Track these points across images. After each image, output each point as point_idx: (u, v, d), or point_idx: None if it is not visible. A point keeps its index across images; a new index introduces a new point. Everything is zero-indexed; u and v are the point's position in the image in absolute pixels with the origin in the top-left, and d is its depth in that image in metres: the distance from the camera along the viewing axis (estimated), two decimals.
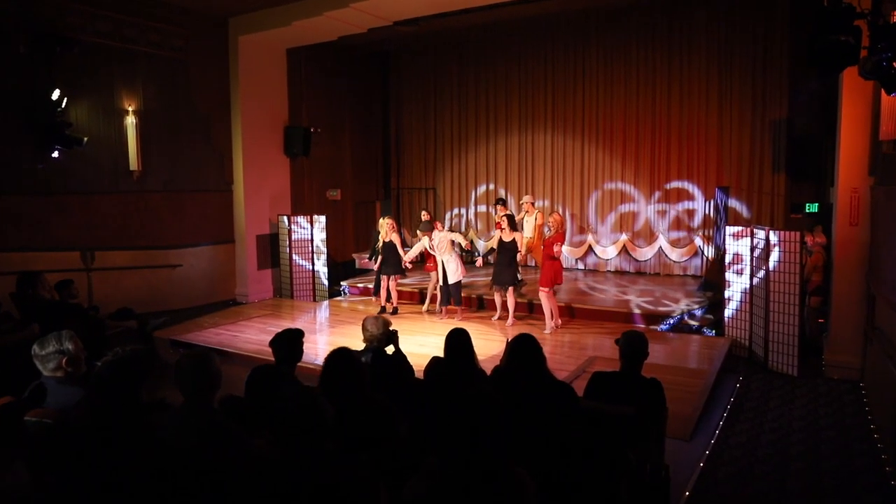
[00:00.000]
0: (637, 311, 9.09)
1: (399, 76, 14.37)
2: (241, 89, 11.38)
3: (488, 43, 12.92)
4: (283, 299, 11.56)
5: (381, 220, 9.86)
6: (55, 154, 9.00)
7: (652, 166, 11.67)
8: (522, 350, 3.84)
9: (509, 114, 12.98)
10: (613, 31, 11.68)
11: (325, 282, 11.59)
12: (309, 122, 12.73)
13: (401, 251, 9.54)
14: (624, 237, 11.99)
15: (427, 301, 10.02)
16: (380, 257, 9.71)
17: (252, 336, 8.39)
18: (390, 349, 4.59)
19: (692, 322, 8.81)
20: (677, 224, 11.55)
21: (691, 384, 6.47)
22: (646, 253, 11.82)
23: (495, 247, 9.24)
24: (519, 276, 9.08)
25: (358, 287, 11.78)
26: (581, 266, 12.53)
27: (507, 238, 8.84)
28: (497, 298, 9.17)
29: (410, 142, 14.44)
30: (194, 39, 10.85)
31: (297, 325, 9.36)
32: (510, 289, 8.90)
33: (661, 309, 9.06)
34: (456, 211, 13.98)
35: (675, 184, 11.51)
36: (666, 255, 11.65)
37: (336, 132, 13.57)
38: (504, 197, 12.39)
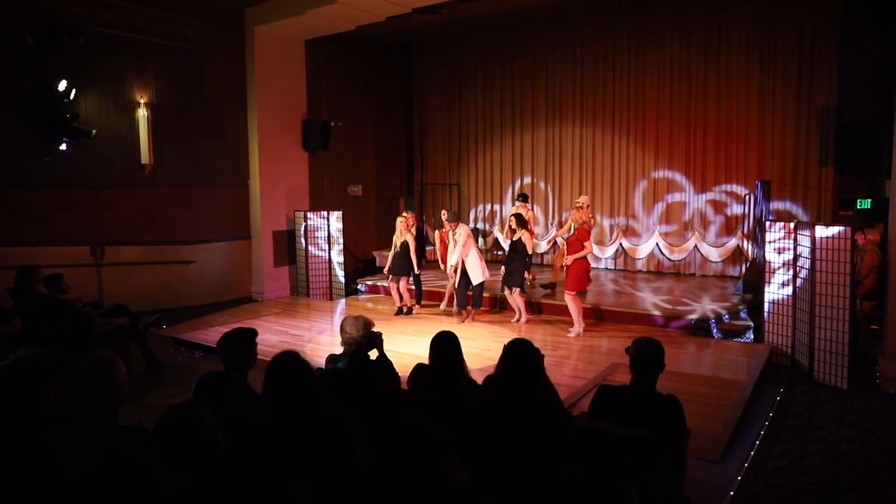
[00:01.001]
0: (666, 313, 8.40)
1: (422, 68, 13.90)
2: (258, 81, 11.05)
3: (513, 32, 12.34)
4: (299, 297, 11.19)
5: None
6: (63, 147, 8.80)
7: (687, 160, 10.92)
8: (515, 358, 3.30)
9: (536, 106, 12.38)
10: (646, 17, 10.98)
11: (342, 279, 11.19)
12: (329, 115, 12.36)
13: (413, 255, 9.02)
14: (657, 235, 11.26)
15: (444, 301, 9.52)
16: (390, 257, 9.28)
17: (259, 336, 7.97)
18: (374, 354, 4.09)
19: (728, 326, 8.08)
20: (715, 222, 10.77)
21: (724, 396, 5.80)
22: (681, 252, 11.07)
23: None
24: (528, 277, 8.52)
25: (377, 286, 11.32)
26: (612, 266, 11.84)
27: (514, 238, 8.47)
28: (510, 300, 8.67)
29: (434, 136, 13.95)
30: (207, 30, 10.55)
31: (309, 324, 9.19)
32: (516, 290, 8.47)
33: (695, 311, 8.36)
34: (480, 208, 13.43)
35: (712, 179, 10.73)
36: (703, 255, 10.87)
37: (358, 126, 13.17)
38: (525, 192, 11.69)
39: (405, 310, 9.25)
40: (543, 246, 12.45)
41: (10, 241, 8.63)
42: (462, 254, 8.50)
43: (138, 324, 6.57)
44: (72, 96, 8.73)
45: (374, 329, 4.08)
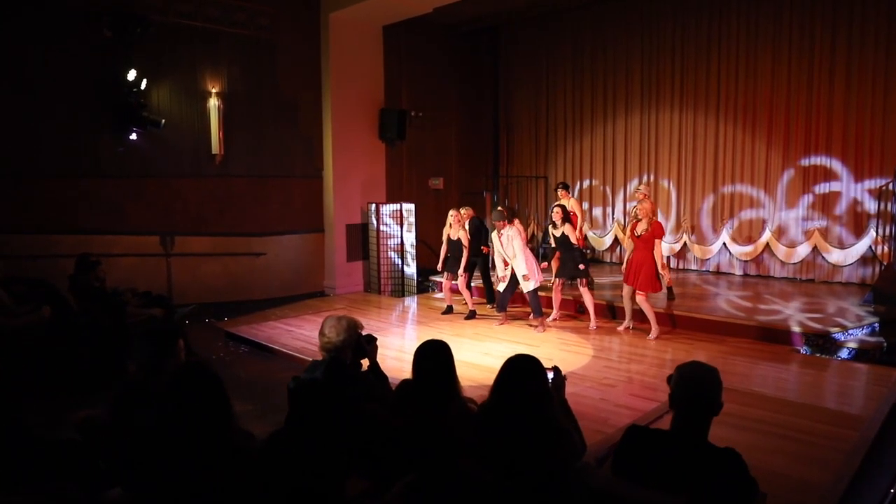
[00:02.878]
0: (772, 324, 7.05)
1: (508, 55, 13.05)
2: (333, 70, 10.69)
3: (605, 10, 11.19)
4: (370, 294, 10.73)
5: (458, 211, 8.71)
6: (132, 136, 8.81)
7: (807, 150, 9.35)
8: (511, 380, 2.46)
9: (630, 91, 11.17)
10: None
11: (414, 276, 10.61)
12: (409, 104, 11.84)
13: (465, 252, 8.31)
14: (767, 234, 9.73)
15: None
16: (443, 253, 8.62)
17: (305, 332, 7.57)
18: (367, 363, 3.38)
19: (851, 344, 6.62)
20: (840, 220, 9.13)
21: (839, 436, 4.54)
22: (795, 253, 9.48)
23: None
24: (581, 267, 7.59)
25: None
26: (710, 268, 10.40)
27: (556, 232, 7.66)
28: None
29: (520, 126, 13.07)
30: (282, 18, 10.32)
31: (366, 322, 8.36)
32: (581, 282, 7.60)
33: (806, 323, 6.95)
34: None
35: (836, 171, 9.08)
36: (823, 257, 9.24)
37: (440, 116, 12.55)
38: (566, 181, 10.39)
39: (468, 307, 8.47)
40: (607, 241, 11.54)
41: (83, 230, 8.73)
42: (510, 255, 7.60)
43: (173, 315, 6.28)
44: (142, 86, 8.71)
45: (366, 332, 3.36)
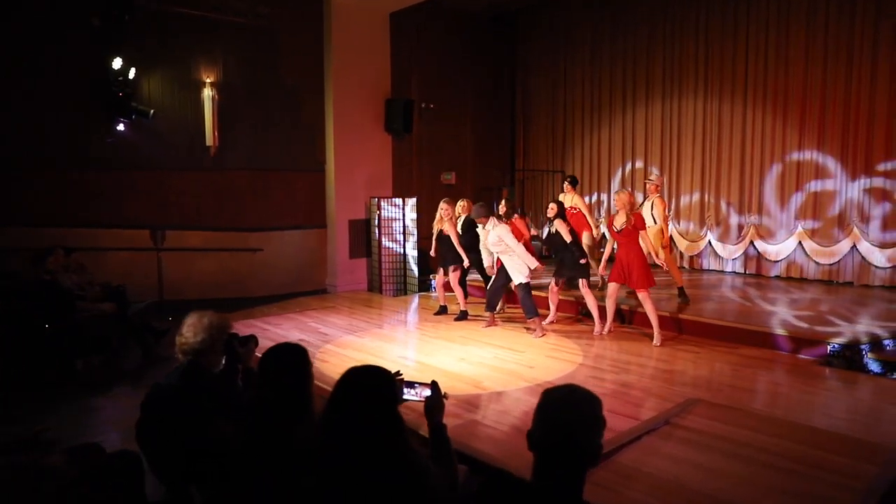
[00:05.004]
0: (797, 333, 6.22)
1: (525, 45, 12.40)
2: (335, 58, 10.26)
3: None
4: (372, 293, 10.27)
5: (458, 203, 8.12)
6: (120, 127, 8.59)
7: (844, 140, 8.41)
8: (342, 403, 1.91)
9: (651, 78, 10.38)
10: None
11: (416, 274, 10.10)
12: (420, 96, 11.32)
13: (458, 247, 7.71)
14: (800, 231, 8.80)
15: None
16: (433, 246, 8.11)
17: (279, 332, 7.14)
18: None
19: (885, 357, 5.74)
20: (880, 215, 8.15)
21: (853, 471, 3.77)
22: (833, 253, 8.54)
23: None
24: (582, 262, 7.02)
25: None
26: (740, 270, 9.51)
27: (550, 228, 7.14)
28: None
29: (538, 119, 12.41)
30: (283, 6, 9.96)
31: (350, 322, 7.79)
32: (581, 283, 6.96)
33: (842, 333, 6.10)
34: (586, 198, 11.62)
35: (882, 166, 8.10)
36: (864, 258, 8.28)
37: (454, 108, 11.99)
38: (575, 176, 9.56)
39: (460, 311, 7.89)
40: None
41: (71, 223, 8.55)
42: (502, 251, 6.95)
43: (126, 311, 5.92)
44: (131, 75, 8.47)
45: (236, 333, 2.85)
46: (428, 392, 2.24)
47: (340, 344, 6.58)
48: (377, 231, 10.22)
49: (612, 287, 6.64)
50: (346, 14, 10.25)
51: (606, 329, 6.82)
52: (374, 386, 1.91)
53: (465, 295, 8.04)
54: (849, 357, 5.86)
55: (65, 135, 8.46)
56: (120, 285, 6.87)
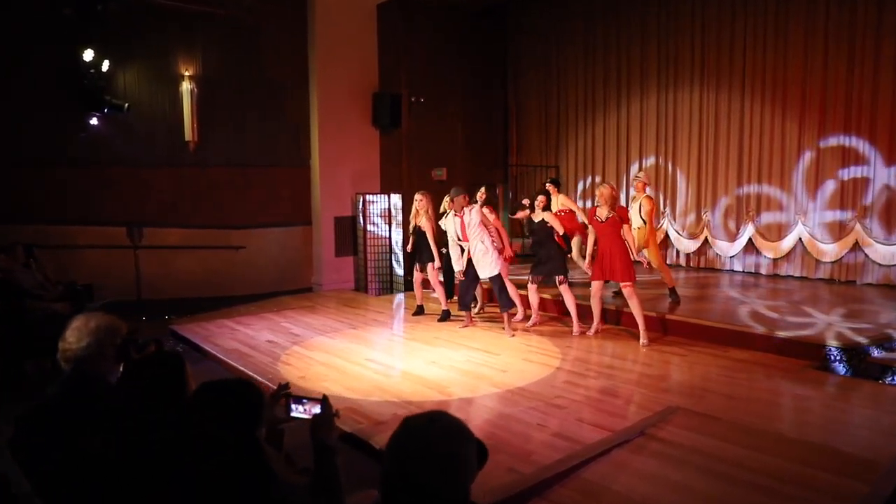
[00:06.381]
0: (780, 334, 5.84)
1: (518, 37, 12.01)
2: (319, 51, 9.97)
3: None
4: (358, 293, 9.96)
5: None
6: (94, 121, 8.34)
7: (847, 131, 7.98)
8: (201, 422, 1.60)
9: (645, 69, 9.99)
10: None
11: (401, 272, 9.79)
12: (409, 90, 10.98)
13: (431, 242, 7.43)
14: (801, 228, 8.41)
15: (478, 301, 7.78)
16: (410, 242, 7.83)
17: (249, 332, 6.88)
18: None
19: (888, 361, 5.36)
20: (886, 211, 7.73)
21: (843, 491, 3.42)
22: (832, 250, 8.14)
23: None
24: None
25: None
26: (734, 267, 9.13)
27: (535, 217, 6.83)
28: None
29: (530, 113, 12.05)
30: None
31: (325, 323, 7.43)
32: (558, 279, 6.65)
33: (836, 334, 5.73)
34: (580, 190, 11.29)
35: (886, 155, 7.70)
36: (866, 255, 7.87)
37: (445, 102, 11.61)
38: (555, 178, 9.25)
39: (442, 311, 7.58)
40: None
41: (44, 220, 8.33)
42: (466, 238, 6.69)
43: (81, 311, 5.63)
44: (104, 68, 8.22)
45: (134, 339, 2.54)
46: (318, 409, 1.93)
47: (309, 346, 6.27)
48: (363, 228, 9.93)
49: (595, 286, 6.31)
50: (331, 6, 9.97)
51: (594, 330, 6.49)
52: (227, 406, 1.59)
53: (449, 295, 7.72)
54: (846, 361, 5.50)
55: (37, 130, 8.23)
56: (85, 285, 6.61)
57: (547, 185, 8.07)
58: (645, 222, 7.07)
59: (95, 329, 2.47)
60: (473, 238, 6.63)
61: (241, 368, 5.51)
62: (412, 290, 9.69)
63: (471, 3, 11.32)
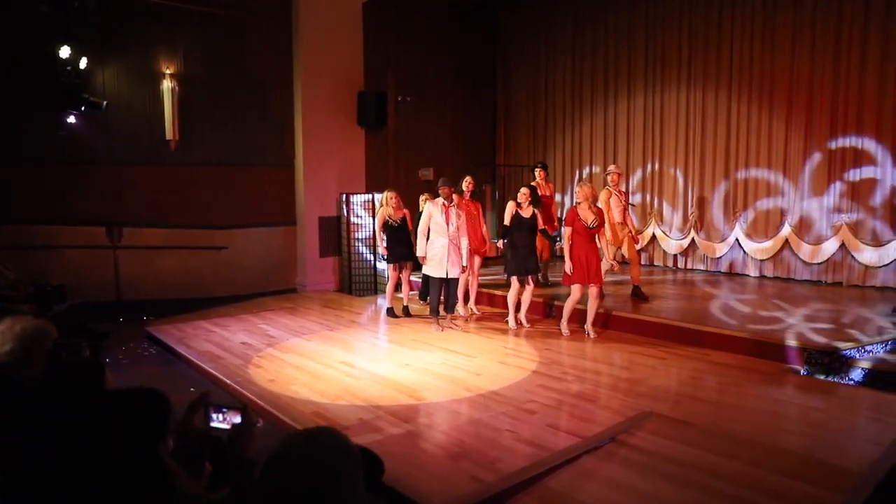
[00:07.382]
0: (762, 336, 5.76)
1: (507, 36, 11.94)
2: (303, 49, 9.84)
3: None
4: (341, 294, 9.85)
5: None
6: (71, 120, 8.21)
7: (834, 130, 7.95)
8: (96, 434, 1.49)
9: (633, 68, 9.91)
10: None
11: (386, 273, 9.65)
12: (396, 89, 10.88)
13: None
14: (787, 228, 8.33)
15: (471, 300, 7.68)
16: (383, 240, 7.75)
17: (226, 334, 6.76)
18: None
19: (865, 364, 5.27)
20: (874, 212, 7.66)
21: (817, 500, 3.31)
22: (820, 251, 8.07)
23: (507, 223, 6.80)
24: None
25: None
26: (721, 268, 9.06)
27: (524, 213, 6.67)
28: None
29: (518, 112, 11.97)
30: None
31: (301, 324, 7.26)
32: (531, 278, 6.77)
33: (810, 335, 5.64)
34: (563, 193, 11.21)
35: (871, 154, 7.64)
36: (853, 256, 7.79)
37: (433, 101, 11.52)
38: (545, 162, 9.31)
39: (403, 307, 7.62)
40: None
41: (21, 219, 8.21)
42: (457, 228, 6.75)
43: (48, 312, 5.53)
44: (81, 65, 8.09)
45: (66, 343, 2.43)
46: (238, 419, 1.83)
47: (283, 348, 6.16)
48: (346, 229, 9.82)
49: (579, 290, 6.25)
50: (316, 3, 9.85)
51: (567, 331, 6.44)
52: (125, 418, 1.49)
53: (423, 297, 7.68)
54: (826, 363, 5.41)
55: (14, 128, 8.09)
56: (57, 285, 6.49)
57: (537, 170, 8.02)
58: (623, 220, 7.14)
59: (21, 333, 2.37)
60: (464, 234, 6.64)
61: (212, 371, 5.40)
62: (397, 291, 9.65)
63: (459, 1, 11.23)
